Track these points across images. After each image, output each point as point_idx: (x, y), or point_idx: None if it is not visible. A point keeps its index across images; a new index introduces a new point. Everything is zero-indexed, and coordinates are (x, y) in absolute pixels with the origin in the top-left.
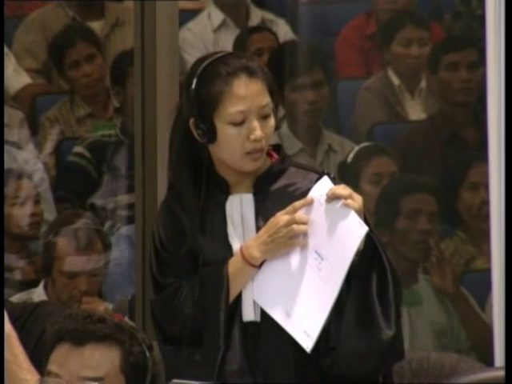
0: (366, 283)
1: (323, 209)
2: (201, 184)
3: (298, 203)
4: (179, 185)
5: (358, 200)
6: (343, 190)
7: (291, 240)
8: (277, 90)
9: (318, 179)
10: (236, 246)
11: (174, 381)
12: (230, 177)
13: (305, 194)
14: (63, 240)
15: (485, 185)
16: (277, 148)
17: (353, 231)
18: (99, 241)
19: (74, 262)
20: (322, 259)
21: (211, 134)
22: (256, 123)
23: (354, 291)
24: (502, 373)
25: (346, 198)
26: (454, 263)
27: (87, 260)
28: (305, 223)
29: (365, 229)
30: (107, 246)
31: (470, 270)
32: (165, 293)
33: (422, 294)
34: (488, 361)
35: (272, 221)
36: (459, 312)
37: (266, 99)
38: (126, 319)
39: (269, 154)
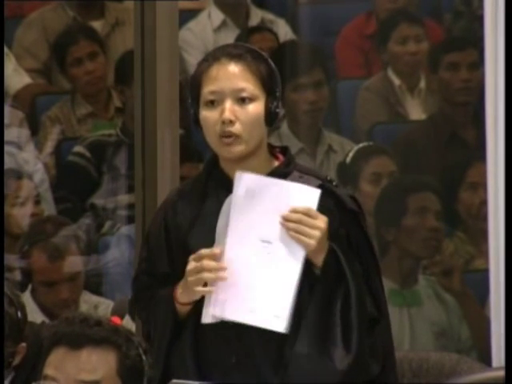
0: (329, 301)
1: (262, 197)
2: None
3: (204, 252)
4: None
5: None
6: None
7: (201, 288)
8: (270, 82)
9: (321, 185)
10: (219, 240)
11: (174, 381)
12: (232, 173)
13: None
14: (35, 251)
15: (484, 185)
16: (284, 150)
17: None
18: (74, 245)
19: (49, 272)
20: (270, 243)
21: (195, 119)
22: (227, 105)
23: (315, 307)
24: (501, 373)
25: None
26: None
27: (62, 268)
28: (213, 269)
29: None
30: (83, 249)
31: (470, 270)
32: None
33: (422, 295)
34: (488, 361)
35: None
36: (463, 310)
37: (243, 83)
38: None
39: (275, 156)
